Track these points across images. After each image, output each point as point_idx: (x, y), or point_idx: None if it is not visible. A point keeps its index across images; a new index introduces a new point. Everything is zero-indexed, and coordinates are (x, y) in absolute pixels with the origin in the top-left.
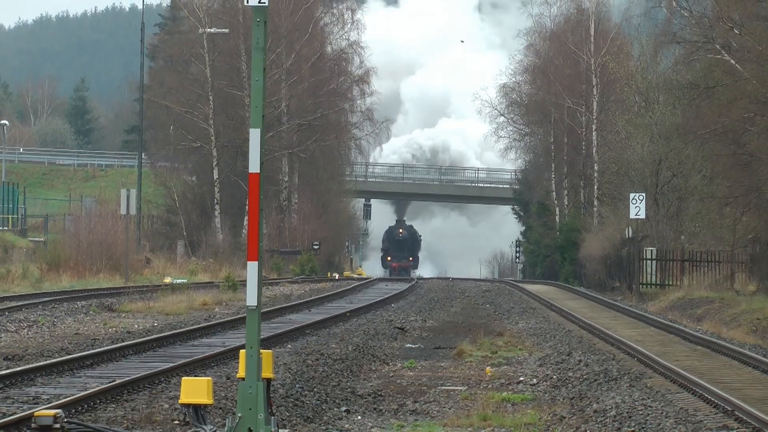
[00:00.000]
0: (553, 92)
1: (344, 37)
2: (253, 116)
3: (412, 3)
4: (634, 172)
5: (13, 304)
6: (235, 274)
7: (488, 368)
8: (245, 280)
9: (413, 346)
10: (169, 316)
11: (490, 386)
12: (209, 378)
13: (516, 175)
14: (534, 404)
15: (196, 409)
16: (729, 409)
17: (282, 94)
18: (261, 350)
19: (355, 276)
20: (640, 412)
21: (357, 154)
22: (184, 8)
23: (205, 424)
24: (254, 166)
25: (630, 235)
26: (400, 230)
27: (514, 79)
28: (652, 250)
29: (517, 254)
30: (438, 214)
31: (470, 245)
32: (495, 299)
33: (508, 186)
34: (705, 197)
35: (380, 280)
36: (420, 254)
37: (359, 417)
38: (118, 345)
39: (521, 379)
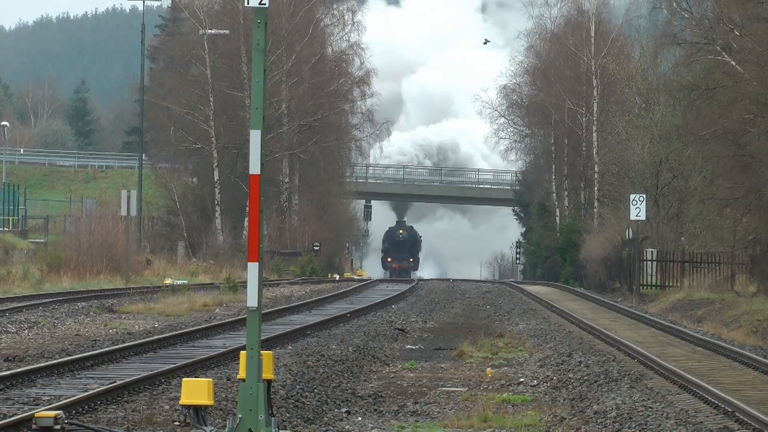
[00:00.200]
0: (554, 93)
1: (344, 38)
2: (253, 117)
3: (414, 2)
4: (635, 174)
5: (14, 305)
6: (235, 276)
7: (489, 369)
8: (246, 282)
9: (414, 347)
10: (170, 318)
11: (490, 387)
12: (210, 379)
13: (516, 176)
14: (534, 405)
15: (197, 410)
16: (729, 410)
17: (282, 96)
18: (261, 351)
19: (355, 277)
20: (641, 413)
21: (357, 155)
22: (185, 10)
23: (206, 426)
24: (255, 167)
25: (630, 237)
26: (400, 231)
27: (514, 80)
28: (652, 252)
29: (518, 255)
30: (439, 215)
31: (471, 247)
32: (495, 300)
33: (508, 187)
34: (705, 198)
35: (380, 281)
36: (420, 255)
37: (360, 418)
38: (119, 346)
39: (522, 380)
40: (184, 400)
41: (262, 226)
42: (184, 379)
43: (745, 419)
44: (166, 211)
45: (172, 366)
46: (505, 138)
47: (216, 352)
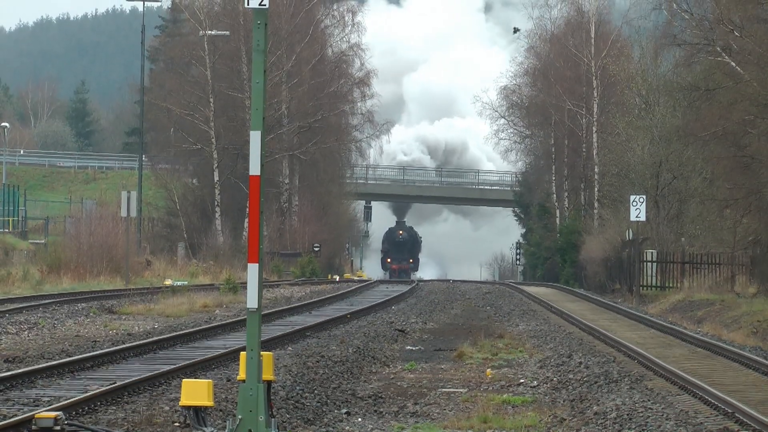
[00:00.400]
0: (554, 94)
1: (345, 39)
2: (253, 118)
3: (415, 2)
4: (635, 175)
5: (14, 306)
6: (235, 276)
7: (489, 370)
8: (246, 282)
9: (414, 348)
10: (170, 318)
11: (490, 388)
12: (210, 380)
13: (516, 177)
14: (534, 406)
15: (197, 411)
16: (729, 411)
17: (282, 97)
18: (261, 352)
19: (355, 278)
20: (641, 414)
21: (357, 156)
22: (185, 11)
23: (206, 427)
24: (255, 168)
25: (630, 238)
26: (400, 232)
27: (514, 81)
28: (652, 252)
29: (518, 256)
30: (440, 216)
31: (471, 248)
32: (495, 301)
33: (508, 188)
34: (705, 199)
35: (381, 282)
36: (420, 256)
37: (360, 419)
38: (119, 347)
39: (522, 381)
40: (184, 401)
41: (262, 227)
42: (184, 380)
43: (746, 420)
44: (166, 212)
45: (172, 367)
46: (505, 139)
47: (216, 353)
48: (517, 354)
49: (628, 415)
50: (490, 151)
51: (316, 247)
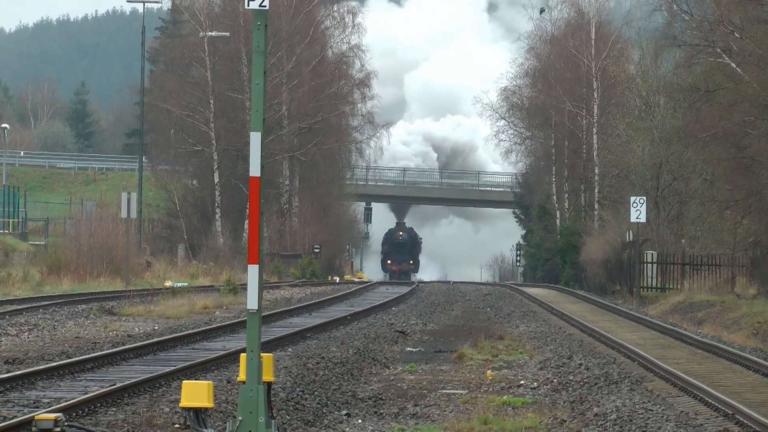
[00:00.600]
0: (554, 96)
1: (345, 40)
2: (253, 120)
3: (417, 1)
4: (635, 176)
5: (14, 307)
6: (235, 278)
7: (489, 372)
8: (246, 284)
9: (414, 350)
10: (170, 320)
11: (490, 390)
12: (210, 382)
13: (517, 178)
14: (535, 408)
15: (197, 412)
16: (730, 412)
17: (283, 98)
18: (262, 354)
19: (355, 279)
20: (641, 416)
21: (358, 157)
22: (185, 12)
23: (206, 428)
24: (255, 169)
25: (631, 239)
26: (400, 233)
27: (514, 82)
28: (652, 254)
29: (518, 258)
30: (441, 218)
31: (472, 249)
32: (495, 303)
33: (509, 190)
34: (706, 201)
35: (381, 283)
36: (420, 257)
37: (360, 420)
38: (119, 348)
39: (522, 382)
40: (184, 402)
41: (262, 229)
42: (184, 381)
43: (746, 422)
44: (166, 213)
45: (172, 368)
46: (505, 140)
47: (216, 355)
48: (518, 355)
49: (628, 416)
50: (494, 152)
51: (316, 248)
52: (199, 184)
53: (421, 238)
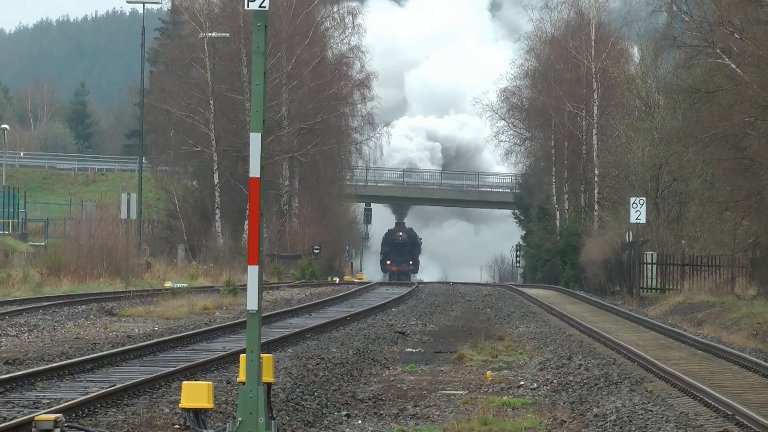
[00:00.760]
0: (554, 96)
1: (345, 41)
2: (253, 120)
3: (418, 1)
4: (635, 177)
5: (14, 308)
6: (235, 279)
7: (489, 372)
8: (246, 285)
9: (414, 351)
10: (170, 321)
11: (490, 390)
12: (210, 382)
13: (516, 179)
14: (534, 408)
15: (197, 413)
16: (730, 413)
17: (282, 99)
18: (261, 354)
19: (355, 280)
20: (641, 417)
21: (357, 158)
22: (185, 12)
23: (206, 429)
24: (255, 170)
25: (630, 240)
26: (400, 233)
27: (514, 83)
28: (652, 255)
29: (518, 258)
30: (442, 220)
31: (472, 250)
32: (495, 303)
33: (508, 190)
34: (705, 201)
35: (381, 284)
36: (420, 258)
37: (360, 421)
38: (119, 349)
39: (522, 383)
40: (184, 403)
41: (262, 229)
42: (184, 382)
43: (746, 422)
44: (166, 214)
45: (172, 369)
46: (505, 141)
47: (216, 355)
48: (517, 356)
49: (628, 417)
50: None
51: (316, 249)
52: (199, 185)
53: (420, 239)
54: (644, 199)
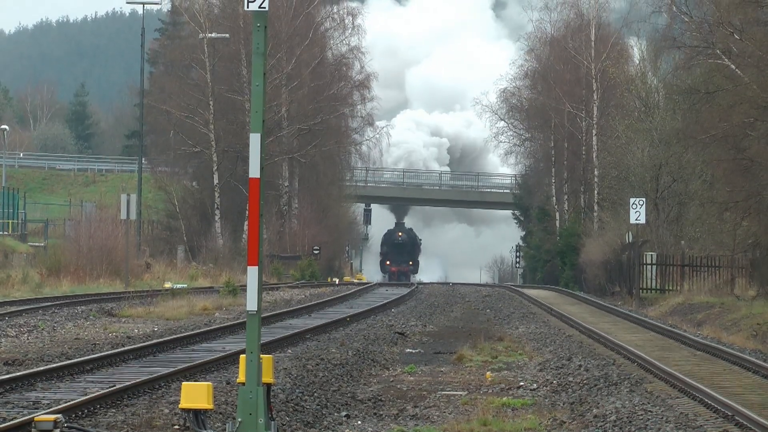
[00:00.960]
0: (554, 97)
1: (345, 42)
2: (253, 121)
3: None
4: (635, 177)
5: (14, 309)
6: (235, 279)
7: (488, 373)
8: (245, 285)
9: (413, 351)
10: (170, 321)
11: (490, 391)
12: (209, 383)
13: (516, 180)
14: (534, 409)
15: (197, 414)
16: (729, 414)
17: (282, 99)
18: (261, 355)
19: (355, 281)
20: (641, 417)
21: (357, 159)
22: (185, 13)
23: (206, 429)
24: (254, 171)
25: (630, 240)
26: (399, 233)
27: (514, 84)
28: (652, 255)
29: (518, 259)
30: (443, 222)
31: (472, 251)
32: (495, 304)
33: (508, 191)
34: (705, 202)
35: (380, 285)
36: (420, 259)
37: (359, 422)
38: (119, 350)
39: (521, 383)
40: (184, 403)
41: (262, 230)
42: (183, 382)
43: (746, 423)
44: (165, 214)
45: (172, 370)
46: (505, 142)
47: (216, 356)
48: (517, 357)
49: (627, 418)
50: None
51: (316, 249)
52: (198, 186)
53: (420, 239)
54: (644, 199)
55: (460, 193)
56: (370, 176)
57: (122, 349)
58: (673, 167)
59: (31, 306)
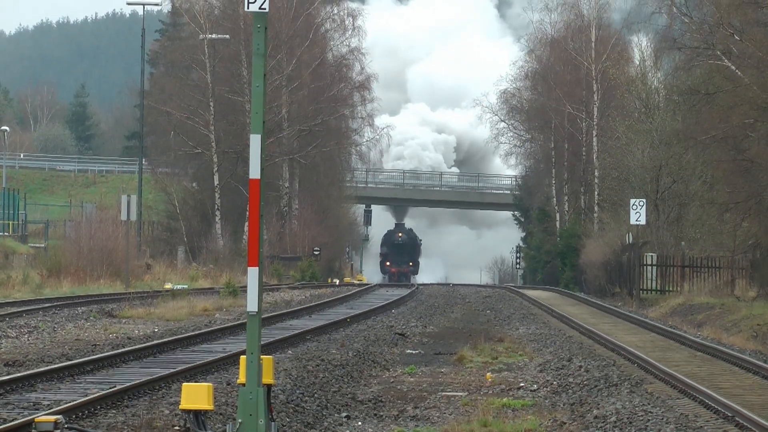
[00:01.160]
0: (554, 98)
1: (345, 43)
2: (253, 122)
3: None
4: (635, 178)
5: (14, 309)
6: (235, 280)
7: (489, 374)
8: (246, 286)
9: (414, 352)
10: (170, 322)
11: (490, 392)
12: (210, 384)
13: (516, 181)
14: (534, 410)
15: (197, 414)
16: (729, 415)
17: (283, 100)
18: (261, 356)
19: (355, 282)
20: (641, 418)
21: (357, 159)
22: (185, 14)
23: (206, 430)
24: (255, 171)
25: (630, 241)
26: (399, 234)
27: (514, 85)
28: (652, 256)
29: (518, 260)
30: (444, 224)
31: (473, 253)
32: (495, 305)
33: (508, 192)
34: (705, 203)
35: (380, 286)
36: (420, 259)
37: (360, 423)
38: (119, 351)
39: (522, 384)
40: (184, 404)
41: (262, 231)
42: (184, 383)
43: (746, 424)
44: (166, 215)
45: (172, 371)
46: (505, 143)
47: (216, 357)
48: (517, 358)
49: (628, 418)
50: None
51: (316, 250)
52: (198, 187)
53: (420, 240)
54: (644, 200)
55: (460, 194)
56: (370, 177)
57: (123, 350)
58: (674, 168)
59: (32, 307)
